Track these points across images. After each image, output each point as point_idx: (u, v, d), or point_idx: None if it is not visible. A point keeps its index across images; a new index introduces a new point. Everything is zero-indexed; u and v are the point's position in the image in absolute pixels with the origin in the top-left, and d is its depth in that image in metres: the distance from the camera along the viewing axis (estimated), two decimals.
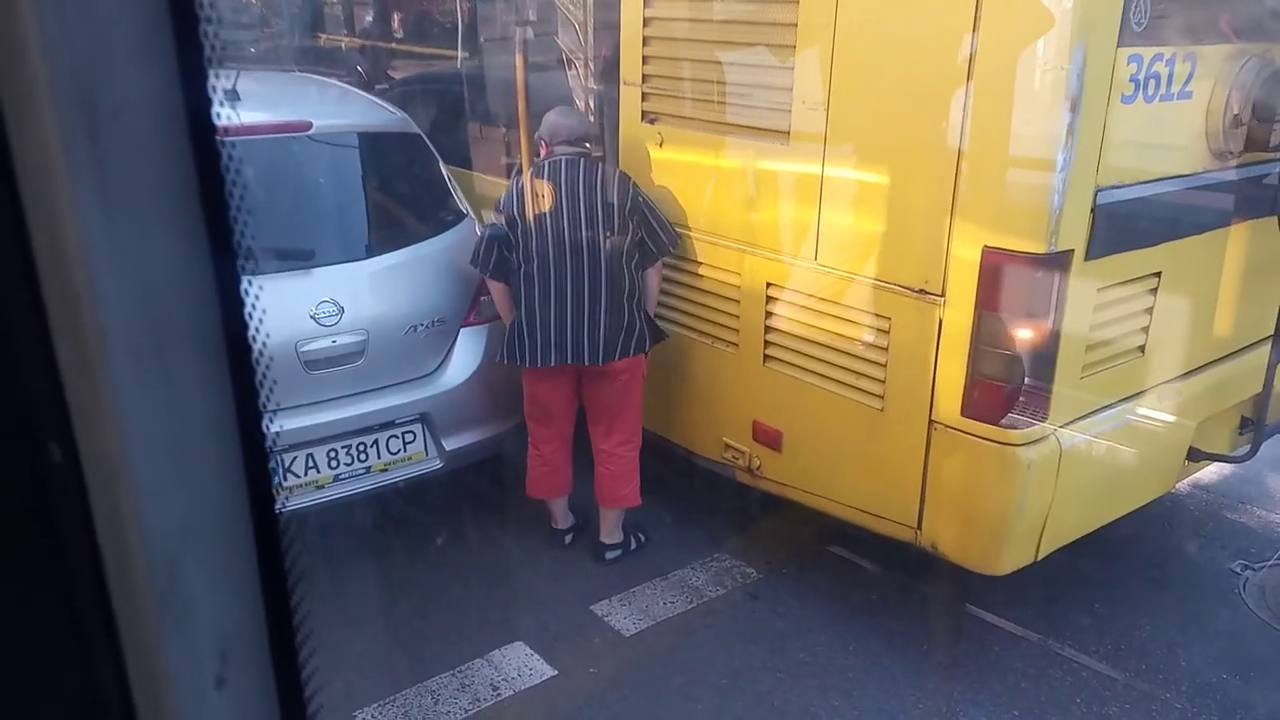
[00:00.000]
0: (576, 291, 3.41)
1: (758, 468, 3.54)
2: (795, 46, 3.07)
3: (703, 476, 3.88)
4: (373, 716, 2.95)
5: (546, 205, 3.39)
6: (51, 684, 0.54)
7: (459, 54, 5.34)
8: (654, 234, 3.47)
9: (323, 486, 3.33)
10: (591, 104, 4.09)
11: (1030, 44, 2.54)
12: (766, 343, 3.41)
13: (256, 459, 0.54)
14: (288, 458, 3.25)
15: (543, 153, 3.53)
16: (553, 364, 3.45)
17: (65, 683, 0.54)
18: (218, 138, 0.51)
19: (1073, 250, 2.69)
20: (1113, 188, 2.73)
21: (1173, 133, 2.92)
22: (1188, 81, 2.84)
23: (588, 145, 3.53)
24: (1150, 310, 3.08)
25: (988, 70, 2.61)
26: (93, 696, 0.54)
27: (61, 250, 0.46)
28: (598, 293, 3.41)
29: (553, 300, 3.41)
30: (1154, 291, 3.06)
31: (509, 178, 4.67)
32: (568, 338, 3.42)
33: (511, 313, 3.52)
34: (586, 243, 3.38)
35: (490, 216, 3.53)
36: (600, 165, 3.48)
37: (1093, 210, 2.70)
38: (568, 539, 3.83)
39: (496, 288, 3.52)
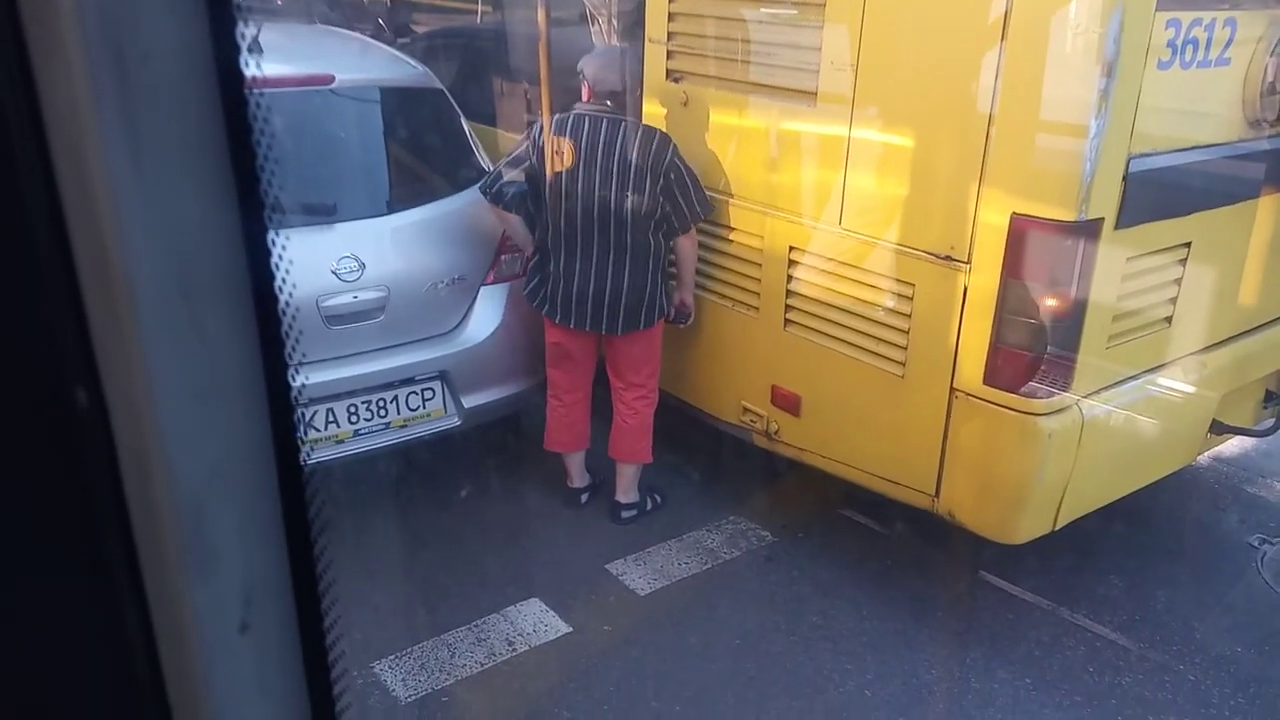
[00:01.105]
0: (601, 259, 3.39)
1: (775, 432, 3.54)
2: (824, 5, 3.02)
3: (720, 440, 3.88)
4: (390, 667, 3.00)
5: (577, 163, 3.34)
6: (77, 628, 0.55)
7: (480, 8, 5.30)
8: (678, 206, 3.38)
9: (342, 441, 3.36)
10: None
11: (1066, 6, 2.48)
12: (787, 307, 3.39)
13: (282, 407, 0.54)
14: (308, 412, 3.28)
15: (585, 95, 3.44)
16: (571, 326, 3.48)
17: (90, 626, 0.55)
18: (245, 87, 0.51)
19: (1103, 219, 2.65)
20: (1146, 155, 2.69)
21: (1209, 100, 2.86)
22: (1226, 47, 2.78)
23: (608, 102, 3.44)
24: (1179, 281, 3.05)
25: (1021, 32, 2.55)
26: (118, 640, 0.54)
27: (89, 195, 0.46)
28: (622, 262, 3.39)
29: (578, 265, 3.40)
30: (1183, 262, 3.02)
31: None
32: (588, 306, 3.43)
33: (531, 242, 3.52)
34: (615, 209, 3.34)
35: (510, 172, 3.47)
36: (638, 128, 3.39)
37: (1125, 178, 2.66)
38: (583, 498, 3.85)
39: (510, 219, 3.49)
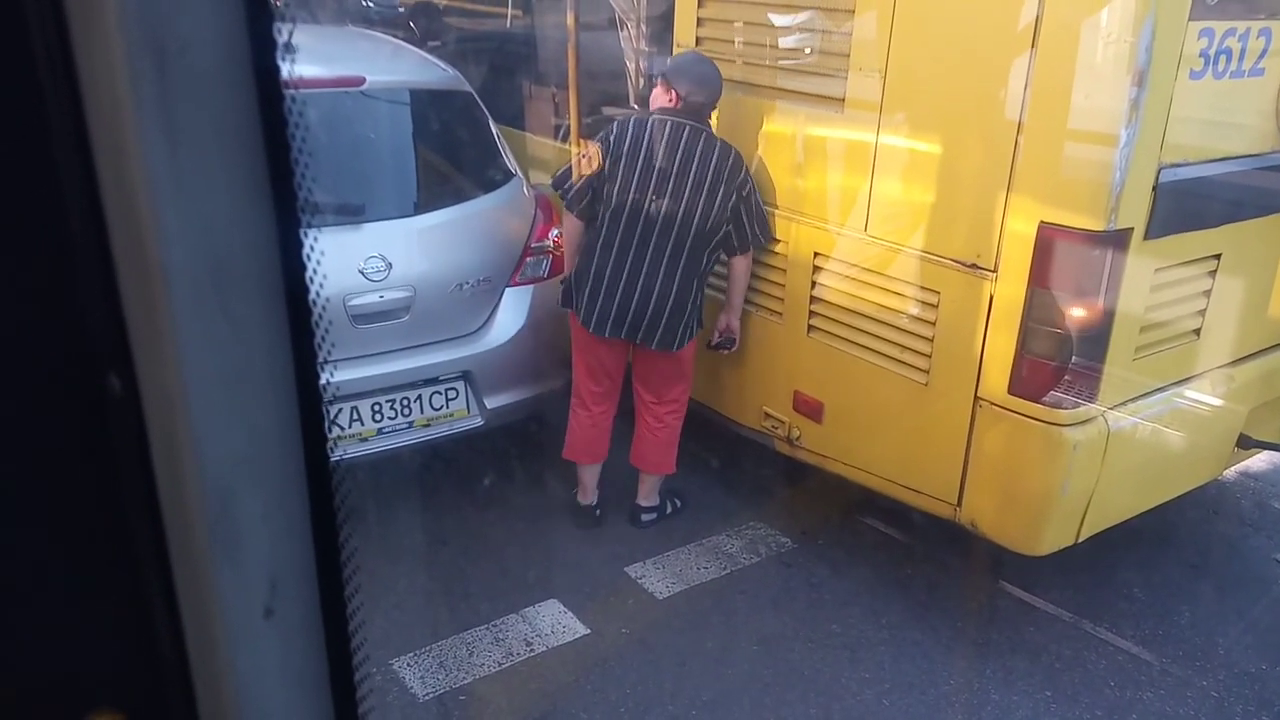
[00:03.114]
0: (650, 272, 3.31)
1: (797, 438, 3.53)
2: (854, 11, 3.02)
3: (741, 445, 3.88)
4: (409, 665, 3.01)
5: (644, 168, 3.26)
6: (106, 608, 0.56)
7: (510, 12, 5.33)
8: (742, 227, 3.34)
9: (366, 439, 3.38)
10: (643, 66, 4.05)
11: (1097, 14, 2.47)
12: (811, 313, 3.38)
13: (311, 397, 0.55)
14: (332, 409, 3.28)
15: (665, 99, 3.35)
16: (606, 335, 3.40)
17: (119, 607, 0.56)
18: (280, 80, 0.51)
19: (1132, 229, 2.63)
20: (1176, 166, 2.66)
21: (1241, 111, 2.83)
22: (1260, 58, 2.75)
23: (688, 110, 3.31)
24: (1207, 293, 3.01)
25: (1052, 40, 2.54)
26: (145, 620, 0.55)
27: (126, 184, 0.47)
28: (671, 278, 3.32)
29: (625, 272, 3.32)
30: (1212, 274, 2.99)
31: (558, 139, 4.66)
32: (627, 316, 3.35)
33: (576, 257, 3.45)
34: (679, 220, 3.27)
35: (578, 173, 3.41)
36: (716, 141, 3.31)
37: (1154, 188, 2.63)
38: (596, 513, 3.76)
39: (574, 225, 3.43)
